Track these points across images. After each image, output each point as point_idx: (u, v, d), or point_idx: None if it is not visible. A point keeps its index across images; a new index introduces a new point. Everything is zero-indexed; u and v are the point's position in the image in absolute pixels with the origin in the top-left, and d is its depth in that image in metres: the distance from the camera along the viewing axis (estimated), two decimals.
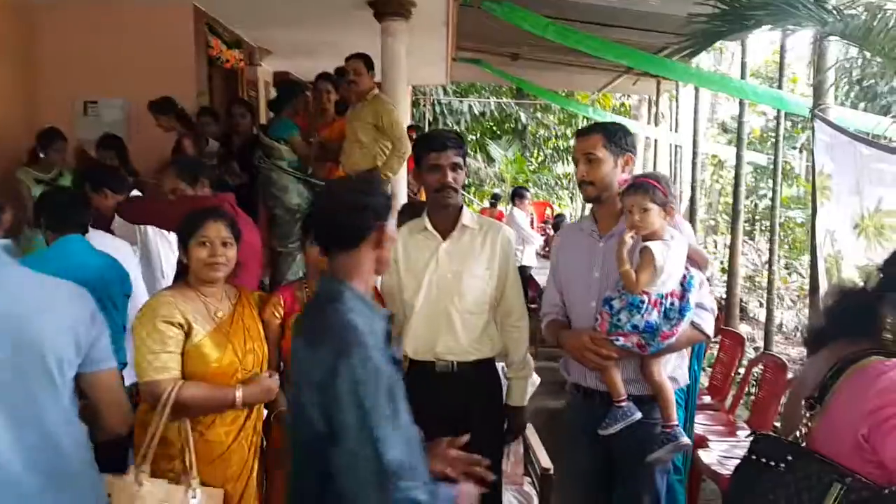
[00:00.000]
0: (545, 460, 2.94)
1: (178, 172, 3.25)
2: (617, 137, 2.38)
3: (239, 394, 2.24)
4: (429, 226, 2.53)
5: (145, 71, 5.33)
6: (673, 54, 6.37)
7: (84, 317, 1.67)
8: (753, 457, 1.44)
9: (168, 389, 2.14)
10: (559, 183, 18.23)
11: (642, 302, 2.19)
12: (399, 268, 2.56)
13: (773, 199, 6.16)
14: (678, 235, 2.28)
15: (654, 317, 2.19)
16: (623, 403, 2.26)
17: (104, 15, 5.34)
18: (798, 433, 1.39)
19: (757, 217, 12.95)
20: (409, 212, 3.14)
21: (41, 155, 4.89)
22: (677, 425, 2.27)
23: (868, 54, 3.63)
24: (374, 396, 1.47)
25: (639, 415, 2.25)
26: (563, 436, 2.62)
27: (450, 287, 2.48)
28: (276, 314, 2.51)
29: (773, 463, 1.39)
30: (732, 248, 6.81)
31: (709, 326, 2.34)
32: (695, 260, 2.33)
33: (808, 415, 1.39)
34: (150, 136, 5.21)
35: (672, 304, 2.21)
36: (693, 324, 2.27)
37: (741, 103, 6.51)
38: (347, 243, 1.64)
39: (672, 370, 2.35)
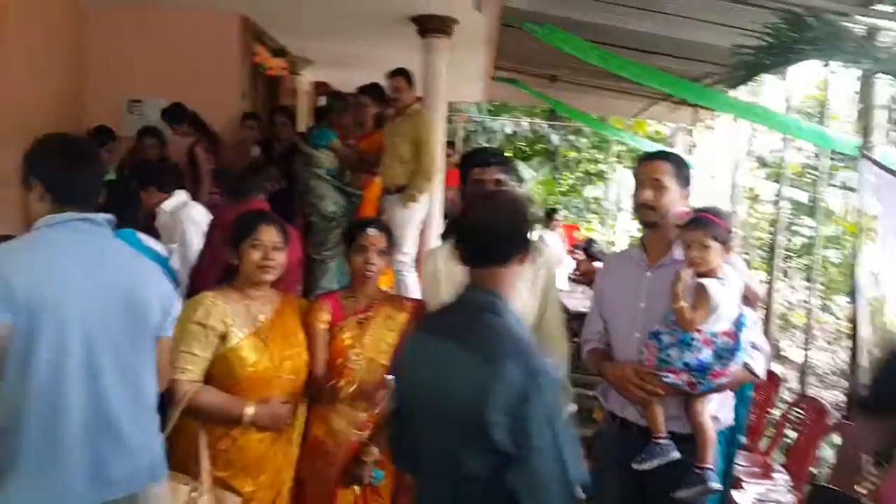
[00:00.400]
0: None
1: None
2: (684, 170, 2.36)
3: (249, 411, 2.23)
4: None
5: (191, 73, 5.43)
6: (715, 84, 6.36)
7: (168, 291, 2.04)
8: None
9: (183, 391, 2.16)
10: (588, 206, 18.13)
11: (693, 339, 2.14)
12: (440, 283, 2.53)
13: (813, 238, 6.07)
14: (732, 273, 2.22)
15: (706, 355, 2.14)
16: (662, 440, 2.20)
17: (154, 18, 5.46)
18: (863, 489, 1.34)
19: (791, 254, 12.73)
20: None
21: None
22: (711, 469, 2.19)
23: None
24: (559, 417, 1.50)
25: (676, 454, 2.18)
26: (595, 465, 2.57)
27: None
28: (323, 320, 2.49)
29: None
30: (769, 286, 6.70)
31: (760, 367, 2.26)
32: (747, 296, 2.27)
33: (875, 472, 1.34)
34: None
35: (724, 343, 2.15)
36: (745, 364, 2.21)
37: (783, 138, 6.44)
38: (503, 258, 1.65)
39: (716, 410, 2.27)
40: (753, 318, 2.25)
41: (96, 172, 1.98)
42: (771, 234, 6.73)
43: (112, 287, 1.86)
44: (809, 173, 12.76)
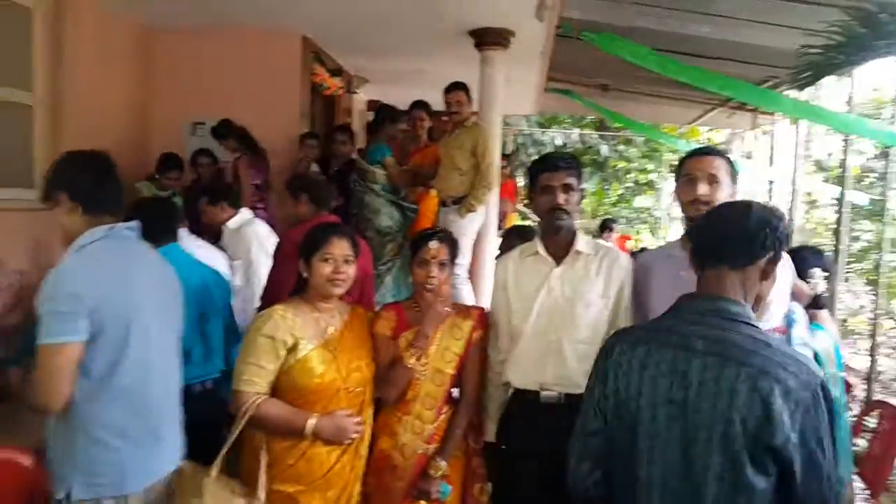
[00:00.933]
0: None
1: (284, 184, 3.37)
2: (733, 167, 2.33)
3: (312, 422, 2.23)
4: (541, 250, 2.47)
5: (252, 95, 5.54)
6: (777, 86, 6.22)
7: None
8: None
9: (248, 403, 2.18)
10: (639, 216, 17.87)
11: None
12: (508, 292, 2.51)
13: (880, 242, 5.84)
14: (780, 269, 2.18)
15: None
16: None
17: (217, 39, 5.59)
18: None
19: (851, 259, 12.30)
20: (518, 236, 3.12)
21: (157, 176, 5.17)
22: None
23: None
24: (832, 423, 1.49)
25: None
26: None
27: (562, 314, 2.41)
28: (390, 328, 2.50)
29: None
30: (831, 291, 6.47)
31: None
32: (795, 293, 2.22)
33: None
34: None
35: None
36: None
37: (846, 140, 6.24)
38: (741, 259, 1.59)
39: None
40: (802, 314, 2.19)
41: (119, 184, 2.13)
42: (832, 238, 6.49)
43: (164, 286, 2.22)
44: (867, 176, 12.34)
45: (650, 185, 17.45)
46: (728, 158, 2.35)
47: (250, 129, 5.24)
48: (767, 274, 1.62)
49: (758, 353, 1.49)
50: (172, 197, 5.03)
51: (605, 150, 16.80)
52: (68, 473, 1.96)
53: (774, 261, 1.61)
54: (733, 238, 1.59)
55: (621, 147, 17.20)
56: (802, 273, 2.57)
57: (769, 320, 2.11)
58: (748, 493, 1.45)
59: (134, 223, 2.14)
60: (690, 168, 2.32)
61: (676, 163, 2.53)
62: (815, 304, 2.70)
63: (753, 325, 1.56)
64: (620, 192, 17.91)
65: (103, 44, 5.03)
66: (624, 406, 1.61)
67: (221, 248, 3.88)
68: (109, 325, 1.95)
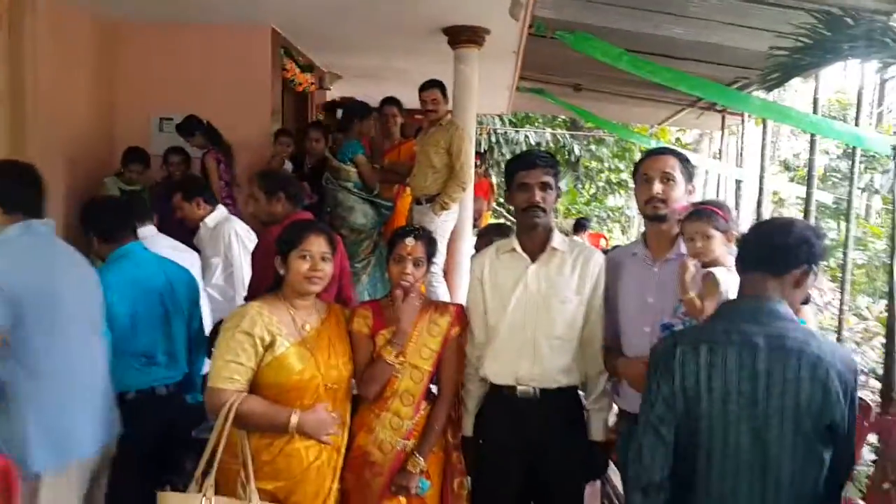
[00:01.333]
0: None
1: (258, 182, 3.31)
2: (688, 165, 2.41)
3: (295, 419, 2.21)
4: (517, 247, 2.49)
5: (221, 90, 5.45)
6: (746, 87, 6.32)
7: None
8: None
9: (229, 401, 2.14)
10: (610, 216, 18.04)
11: None
12: (485, 289, 2.52)
13: (845, 241, 5.97)
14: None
15: None
16: None
17: (184, 33, 5.48)
18: None
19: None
20: (496, 234, 3.12)
21: (122, 171, 5.08)
22: None
23: None
24: None
25: None
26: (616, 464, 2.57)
27: (537, 311, 2.43)
28: (367, 326, 2.49)
29: None
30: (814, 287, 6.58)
31: None
32: None
33: None
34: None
35: None
36: None
37: (812, 140, 6.36)
38: (780, 268, 1.78)
39: None
40: None
41: (40, 190, 2.36)
42: None
43: (83, 279, 2.42)
44: (832, 176, 12.66)
45: (622, 184, 17.63)
46: (683, 157, 2.42)
47: (220, 125, 5.15)
48: (800, 283, 1.80)
49: (809, 343, 1.70)
50: (140, 193, 4.94)
51: (577, 149, 16.93)
52: (26, 451, 2.14)
53: (808, 272, 1.79)
54: (775, 248, 1.79)
55: (593, 147, 17.35)
56: None
57: None
58: (818, 465, 1.70)
59: (49, 220, 2.35)
60: (646, 168, 2.40)
61: (633, 166, 2.58)
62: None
63: (796, 322, 1.76)
64: (593, 191, 18.07)
65: (65, 37, 4.90)
66: (693, 401, 1.75)
67: (195, 246, 3.81)
68: (31, 312, 2.15)
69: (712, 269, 2.16)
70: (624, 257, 2.52)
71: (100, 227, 2.83)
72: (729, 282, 2.15)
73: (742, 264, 1.87)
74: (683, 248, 2.32)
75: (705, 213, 2.22)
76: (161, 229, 3.51)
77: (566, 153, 16.85)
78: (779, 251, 1.79)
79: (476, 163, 6.39)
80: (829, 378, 1.67)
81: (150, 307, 2.76)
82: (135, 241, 2.85)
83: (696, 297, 2.15)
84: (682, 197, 2.36)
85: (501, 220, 9.99)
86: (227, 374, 2.19)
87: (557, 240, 2.48)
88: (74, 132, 5.04)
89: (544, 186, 2.43)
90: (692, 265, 2.18)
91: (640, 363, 2.24)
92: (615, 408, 2.57)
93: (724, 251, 2.21)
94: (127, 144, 5.19)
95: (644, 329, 2.34)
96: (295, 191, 3.36)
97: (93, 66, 5.31)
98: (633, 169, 2.56)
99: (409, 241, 2.49)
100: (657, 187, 2.33)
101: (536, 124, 16.62)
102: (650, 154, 2.48)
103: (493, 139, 15.41)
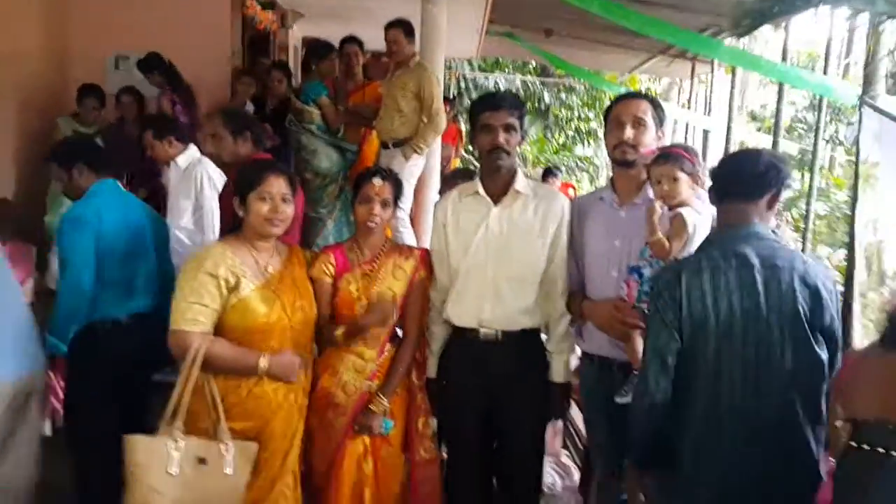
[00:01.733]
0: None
1: (224, 120, 3.20)
2: (660, 110, 2.40)
3: (264, 363, 2.21)
4: (480, 190, 2.47)
5: (179, 27, 5.25)
6: (717, 35, 6.28)
7: None
8: (865, 446, 1.39)
9: (197, 344, 2.12)
10: (579, 165, 18.05)
11: None
12: (447, 231, 2.51)
13: (809, 191, 6.07)
14: (703, 204, 2.26)
15: None
16: None
17: None
18: None
19: (780, 207, 12.82)
20: (461, 178, 3.09)
21: (78, 111, 4.88)
22: None
23: None
24: None
25: None
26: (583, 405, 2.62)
27: (498, 253, 2.43)
28: (327, 272, 2.47)
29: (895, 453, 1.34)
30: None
31: None
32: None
33: None
34: None
35: None
36: None
37: (779, 90, 6.38)
38: (752, 194, 1.94)
39: None
40: None
41: None
42: None
43: None
44: (797, 126, 12.80)
45: (591, 133, 17.59)
46: (655, 101, 2.40)
47: (177, 63, 4.96)
48: (772, 205, 1.97)
49: (795, 257, 1.91)
50: (96, 135, 4.77)
51: (547, 97, 16.80)
52: None
53: (777, 195, 1.96)
54: (749, 176, 1.95)
55: (563, 95, 17.23)
56: None
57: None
58: (818, 365, 1.86)
59: None
60: (617, 112, 2.37)
61: (605, 109, 2.56)
62: None
63: (779, 241, 1.95)
64: (562, 140, 18.02)
65: None
66: (700, 324, 1.89)
67: (163, 186, 3.71)
68: None
69: (680, 210, 2.18)
70: (590, 202, 2.51)
71: (91, 155, 2.83)
72: (697, 222, 2.17)
73: (718, 196, 2.01)
74: (651, 193, 2.32)
75: (672, 155, 2.22)
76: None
77: (536, 101, 16.72)
78: (752, 178, 1.94)
79: (445, 108, 6.27)
80: (818, 286, 1.85)
81: (132, 238, 2.80)
82: (115, 178, 2.88)
83: (663, 238, 2.17)
84: (652, 142, 2.34)
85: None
86: (192, 315, 2.16)
87: (521, 183, 2.46)
88: (24, 70, 4.82)
89: (508, 128, 2.39)
90: (659, 207, 2.18)
91: (609, 305, 2.27)
92: (578, 350, 2.61)
93: (691, 193, 2.21)
94: (81, 84, 4.98)
95: (611, 273, 2.34)
96: (259, 131, 3.28)
97: (40, 5, 5.05)
98: (604, 112, 2.53)
99: (377, 181, 2.45)
100: (628, 132, 2.31)
101: (507, 70, 16.40)
102: (622, 98, 2.44)
103: (463, 85, 15.19)
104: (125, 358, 2.69)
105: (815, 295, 1.85)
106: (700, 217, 2.20)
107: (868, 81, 4.38)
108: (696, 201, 2.23)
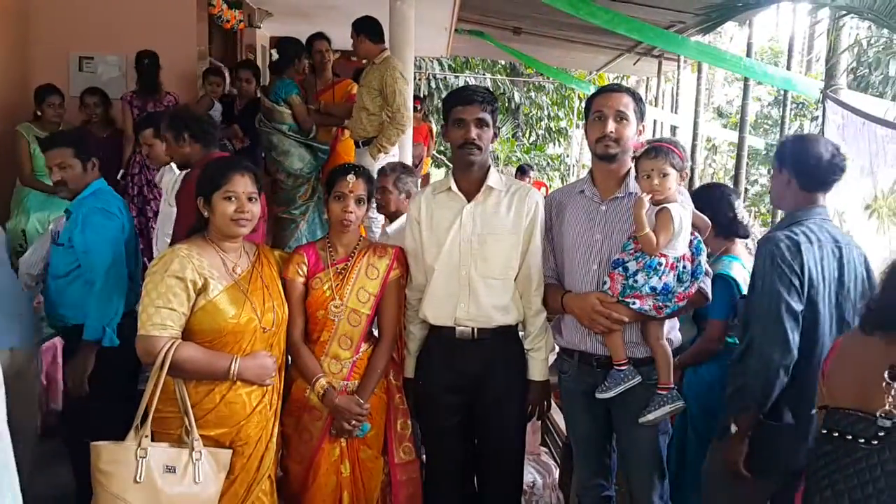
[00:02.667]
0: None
1: (165, 124, 3.14)
2: (641, 104, 2.38)
3: (235, 366, 2.15)
4: (453, 186, 2.44)
5: (144, 27, 5.15)
6: (683, 32, 6.35)
7: None
8: (835, 434, 1.40)
9: (164, 348, 2.06)
10: (550, 164, 18.16)
11: (660, 264, 2.19)
12: (421, 228, 2.48)
13: (767, 187, 6.17)
14: (686, 199, 2.29)
15: (671, 279, 2.20)
16: (624, 367, 2.26)
17: None
18: (886, 408, 1.36)
19: (747, 203, 13.04)
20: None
21: (38, 112, 4.76)
22: (674, 387, 2.29)
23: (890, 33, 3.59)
24: None
25: (639, 378, 2.26)
26: (562, 404, 2.61)
27: (473, 250, 2.40)
28: (300, 273, 2.42)
29: (861, 441, 1.35)
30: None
31: (709, 290, 2.37)
32: (696, 224, 2.32)
33: (894, 385, 1.35)
34: None
35: (685, 266, 2.23)
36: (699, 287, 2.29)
37: (745, 86, 6.49)
38: (829, 186, 2.23)
39: (667, 332, 2.35)
40: (702, 244, 2.33)
41: None
42: (731, 182, 6.83)
43: None
44: (763, 122, 13.05)
45: (561, 132, 17.71)
46: (636, 95, 2.39)
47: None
48: None
49: (851, 240, 2.26)
50: None
51: (517, 96, 16.87)
52: None
53: None
54: (837, 172, 2.23)
55: (533, 94, 17.32)
56: (715, 207, 2.70)
57: (677, 248, 2.21)
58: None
59: None
60: (599, 105, 2.34)
61: (585, 101, 2.55)
62: (740, 233, 2.86)
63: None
64: (533, 139, 18.12)
65: None
66: (813, 290, 2.14)
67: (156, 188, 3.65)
68: None
69: (668, 205, 2.18)
70: (568, 196, 2.48)
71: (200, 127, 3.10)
72: (683, 217, 2.18)
73: (809, 183, 2.24)
74: (633, 187, 2.32)
75: (663, 150, 2.21)
76: None
77: (507, 100, 16.79)
78: (834, 173, 2.23)
79: (415, 107, 6.25)
80: (869, 265, 2.21)
81: (133, 236, 2.95)
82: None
83: (651, 232, 2.17)
84: (633, 136, 2.33)
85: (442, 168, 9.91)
86: (159, 320, 2.09)
87: (493, 178, 2.44)
88: None
89: (480, 123, 2.37)
90: (647, 200, 2.18)
91: (591, 298, 2.26)
92: (556, 348, 2.60)
93: (676, 189, 2.22)
94: (39, 85, 4.83)
95: (591, 267, 2.33)
96: (201, 129, 3.13)
97: (3, 2, 4.91)
98: (584, 104, 2.49)
99: (351, 178, 2.41)
100: (610, 126, 2.28)
101: (476, 70, 16.44)
102: (603, 91, 2.41)
103: (433, 84, 15.18)
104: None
105: (869, 273, 2.21)
106: (686, 212, 2.21)
107: (830, 75, 4.47)
108: (679, 196, 2.24)
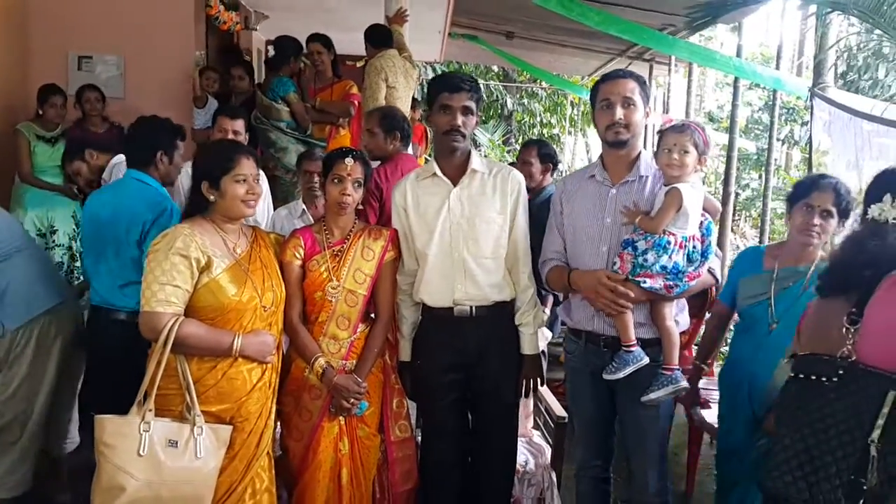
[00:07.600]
0: (559, 410, 2.94)
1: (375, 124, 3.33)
2: (646, 87, 2.40)
3: (238, 342, 2.20)
4: (438, 172, 2.49)
5: (142, 27, 5.20)
6: (677, 33, 6.45)
7: None
8: (801, 376, 1.48)
9: (168, 324, 2.10)
10: None
11: (669, 243, 2.22)
12: (408, 214, 2.53)
13: (765, 184, 6.26)
14: (698, 182, 2.32)
15: (681, 258, 2.24)
16: (633, 348, 2.28)
17: None
18: (844, 351, 1.44)
19: (738, 207, 13.13)
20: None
21: (40, 111, 4.82)
22: (678, 368, 2.32)
23: (879, 31, 3.68)
24: None
25: (647, 359, 2.28)
26: (567, 383, 2.65)
27: (464, 233, 2.46)
28: (297, 255, 2.48)
29: (824, 379, 1.43)
30: (721, 231, 6.88)
31: (718, 271, 2.41)
32: (707, 208, 2.37)
33: (852, 329, 1.43)
34: (146, 93, 5.13)
35: (694, 247, 2.26)
36: (709, 268, 2.33)
37: (735, 88, 6.58)
38: None
39: (675, 314, 2.38)
40: (712, 226, 2.37)
41: None
42: (722, 186, 6.91)
43: None
44: (753, 127, 13.16)
45: (554, 139, 17.81)
46: (641, 80, 2.41)
47: (140, 64, 4.96)
48: None
49: None
50: (60, 138, 4.73)
51: (510, 103, 16.97)
52: None
53: None
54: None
55: (525, 100, 17.42)
56: None
57: (685, 228, 2.26)
58: None
59: None
60: (605, 93, 2.37)
61: (582, 116, 2.60)
62: None
63: None
64: None
65: None
66: None
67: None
68: None
69: (678, 185, 2.21)
70: (578, 180, 2.52)
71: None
72: (693, 199, 2.21)
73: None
74: (643, 170, 2.36)
75: (690, 128, 2.26)
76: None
77: (499, 106, 16.90)
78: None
79: (411, 109, 6.31)
80: None
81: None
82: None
83: (643, 216, 2.24)
84: (642, 120, 2.36)
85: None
86: (164, 296, 2.13)
87: (476, 161, 2.51)
88: None
89: (466, 111, 2.43)
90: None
91: (599, 273, 2.29)
92: (547, 333, 2.64)
93: (692, 172, 2.25)
94: (42, 84, 4.90)
95: (601, 249, 2.36)
96: (407, 131, 3.42)
97: (2, 1, 4.96)
98: (590, 92, 2.52)
99: (348, 160, 2.46)
100: (619, 112, 2.30)
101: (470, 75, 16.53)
102: (609, 77, 2.41)
103: (427, 90, 15.25)
104: None
105: None
106: (697, 193, 2.24)
107: (818, 73, 4.57)
108: (695, 179, 2.27)
